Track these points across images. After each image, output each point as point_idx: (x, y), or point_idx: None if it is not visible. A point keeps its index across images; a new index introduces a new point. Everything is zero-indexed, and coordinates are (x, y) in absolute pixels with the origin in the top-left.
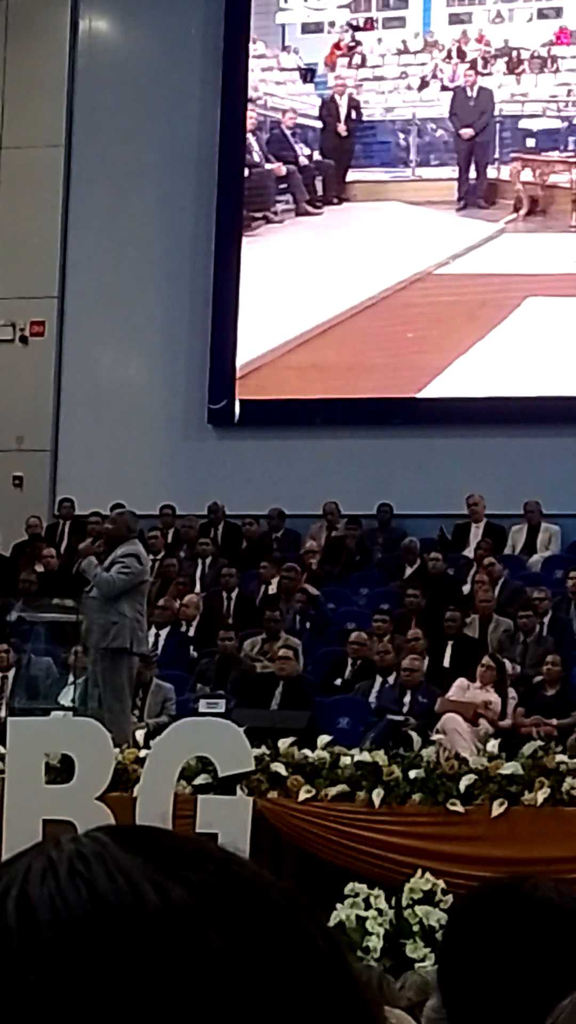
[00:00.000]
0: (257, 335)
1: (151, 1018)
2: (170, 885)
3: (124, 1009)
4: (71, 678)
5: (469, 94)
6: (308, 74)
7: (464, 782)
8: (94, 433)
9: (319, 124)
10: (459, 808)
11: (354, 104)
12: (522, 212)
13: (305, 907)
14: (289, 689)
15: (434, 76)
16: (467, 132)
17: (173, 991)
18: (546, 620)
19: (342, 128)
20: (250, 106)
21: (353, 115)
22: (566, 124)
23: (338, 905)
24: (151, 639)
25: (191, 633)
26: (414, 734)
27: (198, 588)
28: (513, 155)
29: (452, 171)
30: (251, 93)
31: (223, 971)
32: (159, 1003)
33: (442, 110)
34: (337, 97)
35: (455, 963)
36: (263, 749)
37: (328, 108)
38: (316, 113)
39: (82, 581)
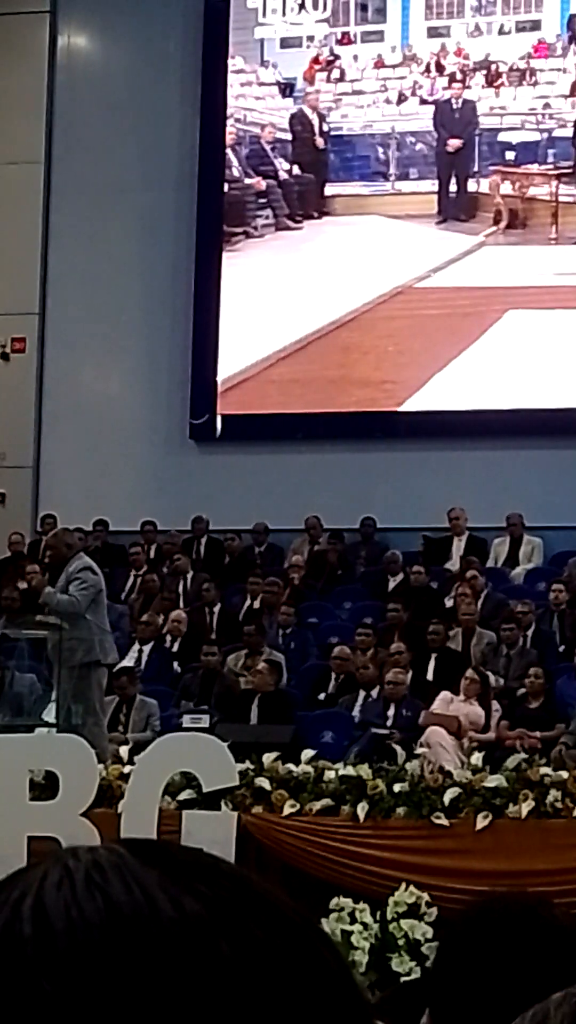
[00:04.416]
0: (238, 350)
1: None
2: (185, 897)
3: (136, 1018)
4: (54, 695)
5: (454, 106)
6: (287, 89)
7: (448, 795)
8: (76, 449)
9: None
10: (443, 821)
11: (322, 117)
12: (502, 225)
13: (316, 926)
14: (266, 703)
15: (413, 92)
16: (455, 143)
17: (185, 1001)
18: (529, 633)
19: (320, 141)
20: (229, 121)
21: (324, 128)
22: (545, 137)
23: (323, 919)
24: (135, 655)
25: (175, 648)
26: (398, 748)
27: (182, 603)
28: (492, 168)
29: (432, 184)
30: (230, 108)
31: (235, 983)
32: (171, 1013)
33: (421, 123)
34: (307, 111)
35: (450, 978)
36: (247, 764)
37: (301, 122)
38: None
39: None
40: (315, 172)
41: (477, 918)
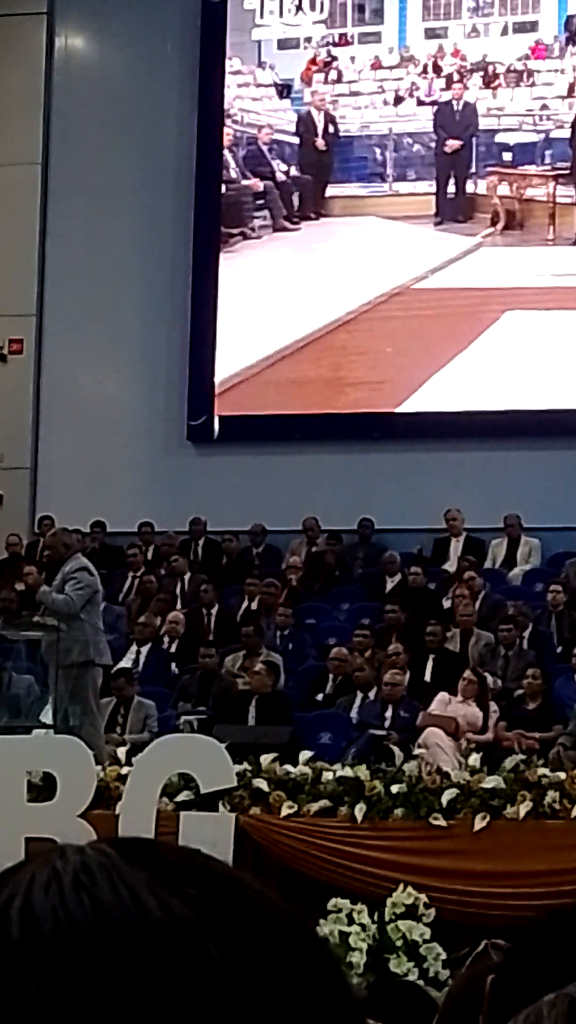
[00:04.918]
0: (236, 351)
1: None
2: (173, 899)
3: (123, 1022)
4: (51, 696)
5: (455, 107)
6: (284, 90)
7: (446, 796)
8: (74, 450)
9: (296, 140)
10: (441, 822)
11: (331, 119)
12: (499, 226)
13: (308, 928)
14: (263, 704)
15: (411, 93)
16: (454, 144)
17: (173, 1004)
18: (527, 634)
19: (320, 143)
20: (227, 122)
21: (331, 130)
22: (542, 138)
23: (321, 920)
24: (132, 656)
25: (172, 650)
26: (396, 749)
27: (179, 605)
28: (490, 169)
29: (429, 186)
30: (227, 109)
31: (224, 986)
32: (159, 1016)
33: (419, 125)
34: (314, 112)
35: (514, 990)
36: (245, 765)
37: (305, 123)
38: (292, 129)
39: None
40: (316, 173)
41: (543, 930)
